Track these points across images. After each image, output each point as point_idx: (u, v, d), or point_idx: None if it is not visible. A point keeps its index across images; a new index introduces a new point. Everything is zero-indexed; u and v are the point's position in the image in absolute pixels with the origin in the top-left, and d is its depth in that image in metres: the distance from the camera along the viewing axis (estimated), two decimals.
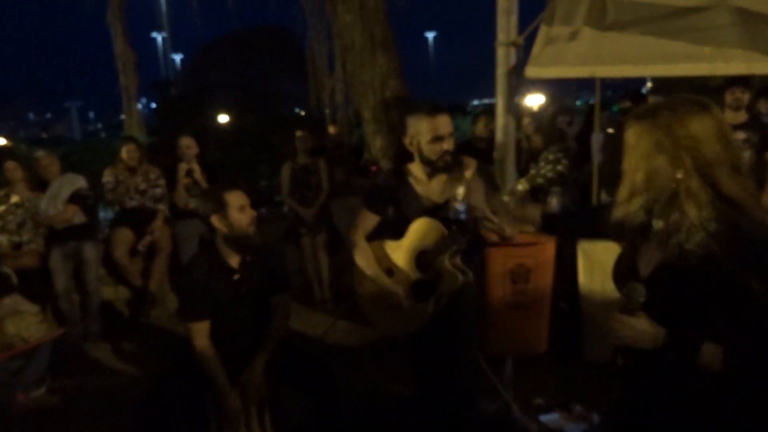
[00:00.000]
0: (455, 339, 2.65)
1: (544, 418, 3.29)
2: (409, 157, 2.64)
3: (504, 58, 3.28)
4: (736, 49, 2.95)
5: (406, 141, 2.58)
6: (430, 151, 2.49)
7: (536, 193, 4.15)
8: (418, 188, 2.61)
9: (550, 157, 2.20)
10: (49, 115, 67.33)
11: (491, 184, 2.60)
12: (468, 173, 2.54)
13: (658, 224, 1.54)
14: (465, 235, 2.39)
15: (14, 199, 2.23)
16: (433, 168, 2.54)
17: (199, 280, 2.73)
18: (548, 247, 3.25)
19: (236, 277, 2.76)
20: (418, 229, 2.55)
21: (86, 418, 3.65)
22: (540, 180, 2.22)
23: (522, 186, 2.24)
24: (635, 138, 1.51)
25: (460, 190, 2.44)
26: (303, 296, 5.45)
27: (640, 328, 1.47)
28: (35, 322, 3.96)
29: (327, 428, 2.79)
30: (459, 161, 2.58)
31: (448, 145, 2.48)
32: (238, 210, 2.68)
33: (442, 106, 2.52)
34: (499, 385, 3.29)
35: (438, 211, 2.54)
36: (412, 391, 3.36)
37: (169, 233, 5.17)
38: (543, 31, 3.31)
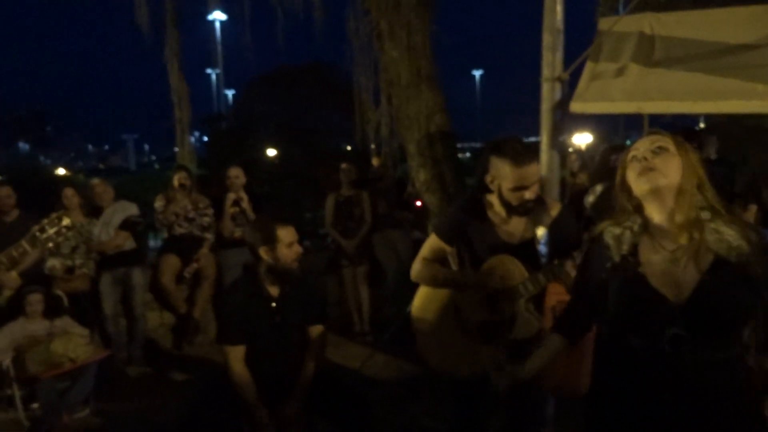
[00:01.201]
0: (522, 389, 2.41)
1: None
2: (487, 188, 2.47)
3: (549, 93, 3.28)
4: None
5: (487, 179, 2.40)
6: (511, 197, 2.34)
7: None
8: (497, 222, 2.45)
9: None
10: (106, 147, 70.26)
11: (574, 230, 2.49)
12: (552, 213, 2.43)
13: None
14: (549, 281, 2.27)
15: (66, 221, 2.32)
16: (511, 210, 2.40)
17: (238, 305, 2.78)
18: None
19: (274, 305, 2.80)
20: (496, 267, 2.38)
21: None
22: None
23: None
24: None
25: (543, 231, 2.37)
26: (342, 328, 5.45)
27: None
28: (82, 344, 4.07)
29: None
30: (542, 201, 2.45)
31: (530, 194, 2.33)
32: (287, 246, 2.76)
33: (531, 151, 2.35)
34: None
35: (516, 249, 2.40)
36: (449, 429, 3.29)
37: (215, 261, 5.27)
38: (589, 67, 3.30)
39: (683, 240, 1.56)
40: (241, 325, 2.76)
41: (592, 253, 1.75)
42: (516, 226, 2.44)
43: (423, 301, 2.64)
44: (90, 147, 67.91)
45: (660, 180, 1.55)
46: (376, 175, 5.92)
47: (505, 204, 2.39)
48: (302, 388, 2.76)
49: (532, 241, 2.39)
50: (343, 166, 5.62)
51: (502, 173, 2.32)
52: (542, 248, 2.35)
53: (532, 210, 2.39)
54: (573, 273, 2.12)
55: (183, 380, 4.74)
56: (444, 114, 5.04)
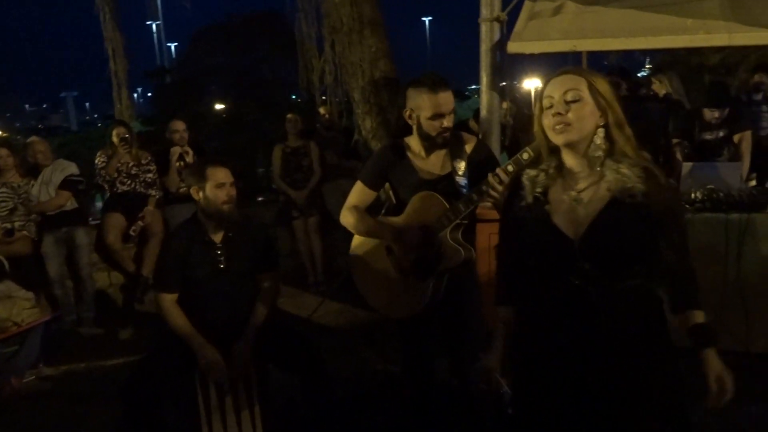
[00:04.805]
0: (460, 318, 2.59)
1: None
2: (408, 131, 2.58)
3: (487, 34, 3.26)
4: (718, 21, 2.94)
5: (405, 114, 2.52)
6: (430, 127, 2.43)
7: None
8: (416, 162, 2.54)
9: None
10: (44, 106, 67.11)
11: (490, 159, 2.59)
12: (468, 148, 2.52)
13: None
14: (468, 208, 2.36)
15: None
16: (431, 143, 2.49)
17: (177, 250, 2.76)
18: None
19: (218, 252, 2.78)
20: (419, 203, 2.48)
21: (78, 401, 3.67)
22: None
23: (527, 155, 2.16)
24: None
25: (462, 164, 2.45)
26: (296, 279, 5.47)
27: None
28: (27, 307, 3.98)
29: (315, 406, 2.81)
30: (458, 137, 2.55)
31: (448, 122, 2.43)
32: (217, 186, 2.70)
33: (445, 82, 2.44)
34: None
35: (437, 184, 2.49)
36: (401, 371, 3.38)
37: (161, 218, 5.17)
38: (527, 7, 3.30)
39: (589, 181, 1.63)
40: (181, 271, 2.74)
41: (512, 198, 1.78)
42: (434, 163, 2.53)
43: (358, 245, 2.70)
44: (27, 107, 64.84)
45: (574, 135, 1.60)
46: (323, 125, 5.85)
47: (425, 137, 2.48)
48: (252, 331, 2.76)
49: (451, 174, 2.48)
50: (289, 116, 5.54)
51: (420, 103, 2.42)
52: (462, 180, 2.44)
53: (450, 143, 2.49)
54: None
55: (135, 340, 4.71)
56: (389, 60, 4.99)
